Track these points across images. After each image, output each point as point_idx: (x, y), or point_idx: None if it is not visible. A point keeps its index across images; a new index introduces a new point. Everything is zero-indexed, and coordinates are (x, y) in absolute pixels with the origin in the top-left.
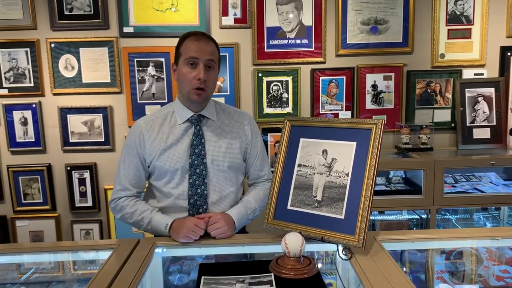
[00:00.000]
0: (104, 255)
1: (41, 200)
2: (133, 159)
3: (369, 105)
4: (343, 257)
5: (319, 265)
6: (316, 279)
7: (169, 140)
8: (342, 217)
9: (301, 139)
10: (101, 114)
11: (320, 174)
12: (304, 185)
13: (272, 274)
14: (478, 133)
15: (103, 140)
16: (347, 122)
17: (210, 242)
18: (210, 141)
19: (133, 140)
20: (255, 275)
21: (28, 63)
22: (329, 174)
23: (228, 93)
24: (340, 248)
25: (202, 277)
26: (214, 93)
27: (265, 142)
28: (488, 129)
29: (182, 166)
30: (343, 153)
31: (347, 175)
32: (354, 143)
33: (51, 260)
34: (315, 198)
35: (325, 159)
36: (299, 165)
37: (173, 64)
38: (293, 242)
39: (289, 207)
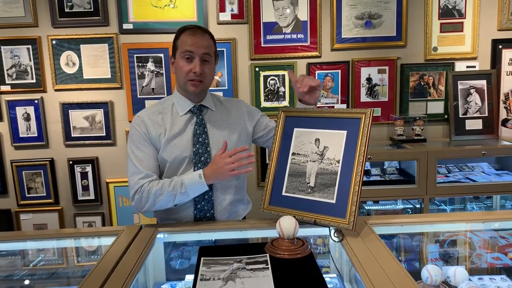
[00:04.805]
0: (108, 241)
1: (45, 194)
2: (147, 147)
3: (364, 98)
4: (335, 239)
5: (318, 256)
6: (309, 259)
7: (172, 132)
8: (334, 201)
9: (295, 129)
10: (102, 109)
11: (313, 161)
12: (298, 172)
13: (268, 254)
14: (470, 124)
15: (104, 134)
16: (338, 112)
17: (209, 228)
18: (212, 129)
19: (139, 131)
20: (252, 256)
21: (30, 60)
22: (321, 162)
23: (226, 88)
24: (332, 230)
25: (202, 258)
26: (212, 88)
27: None
28: (480, 120)
29: (187, 155)
30: (335, 141)
31: (338, 162)
32: (345, 132)
33: (57, 246)
34: (308, 184)
35: (318, 147)
36: (293, 154)
37: (171, 57)
38: (287, 224)
39: (283, 193)
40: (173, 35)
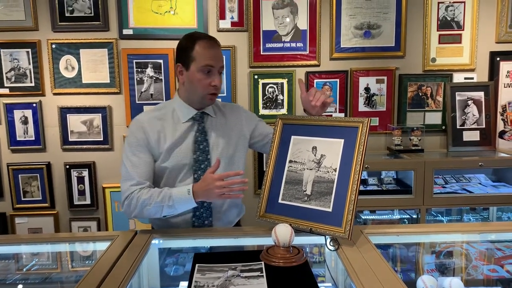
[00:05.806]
0: (102, 246)
1: (40, 198)
2: (143, 153)
3: (362, 107)
4: (331, 248)
5: (313, 264)
6: (304, 267)
7: (173, 138)
8: (330, 210)
9: (292, 137)
10: (100, 114)
11: (310, 169)
12: (295, 180)
13: (263, 262)
14: (468, 136)
15: (102, 139)
16: (336, 121)
17: (204, 234)
18: (213, 136)
19: (137, 136)
20: (247, 263)
21: (29, 64)
22: (318, 170)
23: (225, 95)
24: (328, 239)
25: (196, 265)
26: None
27: None
28: (478, 131)
29: (187, 162)
30: (332, 149)
31: (335, 170)
32: (342, 140)
33: (51, 251)
34: (304, 192)
35: (315, 155)
36: (290, 161)
37: (180, 65)
38: (282, 232)
39: (280, 201)
40: (173, 42)
